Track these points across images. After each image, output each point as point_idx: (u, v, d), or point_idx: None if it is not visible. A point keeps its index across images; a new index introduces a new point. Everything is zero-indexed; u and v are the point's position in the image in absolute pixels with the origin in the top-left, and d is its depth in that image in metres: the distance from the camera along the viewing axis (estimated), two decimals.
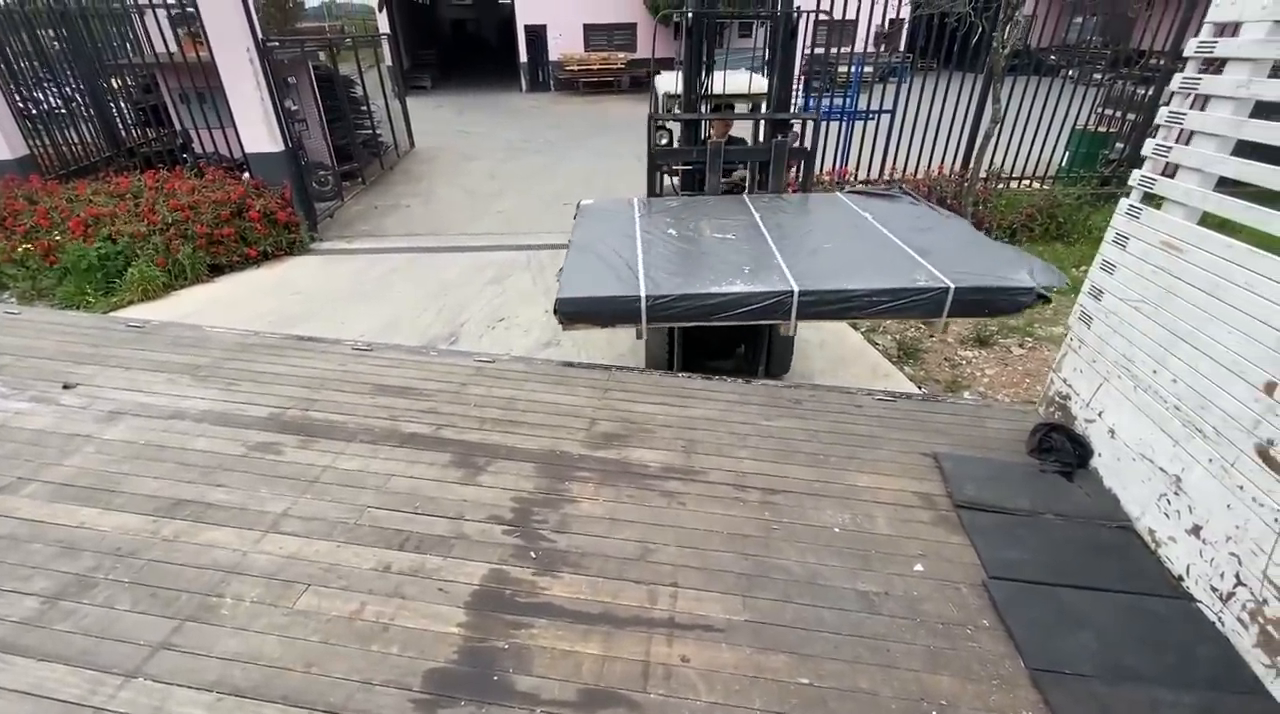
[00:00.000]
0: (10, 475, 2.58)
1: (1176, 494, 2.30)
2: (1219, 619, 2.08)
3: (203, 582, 2.14)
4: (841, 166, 8.74)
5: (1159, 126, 2.57)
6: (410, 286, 7.35)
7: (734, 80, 6.00)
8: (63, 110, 8.90)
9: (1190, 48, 2.45)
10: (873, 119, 8.56)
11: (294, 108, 9.25)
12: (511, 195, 10.55)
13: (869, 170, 8.46)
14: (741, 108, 5.78)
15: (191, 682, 1.83)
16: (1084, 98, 8.37)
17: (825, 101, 8.78)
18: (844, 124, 8.84)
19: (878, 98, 8.53)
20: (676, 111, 5.23)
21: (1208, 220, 2.36)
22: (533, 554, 2.30)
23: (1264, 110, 2.24)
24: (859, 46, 8.38)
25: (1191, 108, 2.45)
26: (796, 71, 8.13)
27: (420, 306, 6.83)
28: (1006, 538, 2.41)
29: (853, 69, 9.24)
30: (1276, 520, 1.91)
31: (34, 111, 8.58)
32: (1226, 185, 2.33)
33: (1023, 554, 2.34)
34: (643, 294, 2.90)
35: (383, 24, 19.55)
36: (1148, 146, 2.61)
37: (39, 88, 8.71)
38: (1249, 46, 2.22)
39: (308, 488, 2.57)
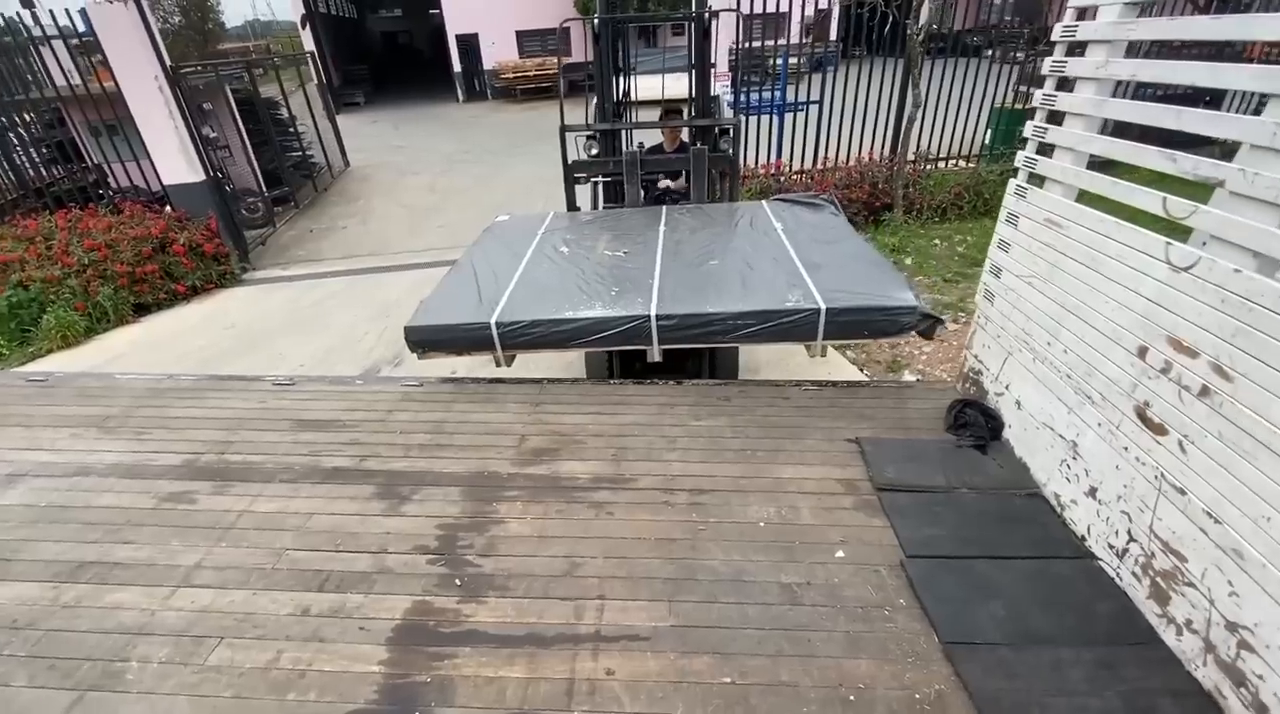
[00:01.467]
0: None
1: (1074, 459, 2.40)
2: (1117, 575, 2.19)
3: (107, 647, 2.05)
4: (776, 159, 8.88)
5: (1035, 108, 2.68)
6: (350, 311, 7.19)
7: (648, 85, 5.93)
8: None
9: (1056, 32, 2.56)
10: (802, 110, 8.71)
11: (213, 134, 8.94)
12: (453, 209, 10.41)
13: (802, 161, 8.61)
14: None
15: None
16: (1002, 76, 8.67)
17: (755, 95, 8.89)
18: (774, 116, 8.97)
19: (808, 89, 8.67)
20: (590, 122, 5.00)
21: (1110, 204, 2.44)
22: (458, 581, 2.27)
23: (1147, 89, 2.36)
24: (786, 39, 8.51)
25: (1060, 89, 2.56)
26: (722, 69, 8.21)
27: (361, 330, 6.69)
28: (924, 516, 2.49)
29: (779, 61, 9.39)
30: (1156, 477, 2.01)
31: None
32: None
33: (939, 530, 2.42)
34: (493, 321, 2.79)
35: (307, 41, 19.04)
36: (1028, 128, 2.72)
37: None
38: (1104, 29, 2.33)
39: (222, 536, 2.49)
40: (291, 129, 11.30)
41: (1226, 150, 1.90)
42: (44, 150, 9.08)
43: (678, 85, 5.89)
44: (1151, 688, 1.86)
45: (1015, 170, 2.83)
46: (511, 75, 20.25)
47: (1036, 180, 2.71)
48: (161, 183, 8.03)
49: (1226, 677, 1.79)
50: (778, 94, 9.21)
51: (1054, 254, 2.53)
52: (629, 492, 2.70)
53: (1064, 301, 2.47)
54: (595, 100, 5.08)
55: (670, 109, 5.34)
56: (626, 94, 5.70)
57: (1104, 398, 2.25)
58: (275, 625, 2.12)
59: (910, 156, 8.07)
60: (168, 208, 8.10)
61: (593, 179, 5.20)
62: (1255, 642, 1.71)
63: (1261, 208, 1.74)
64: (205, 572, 2.33)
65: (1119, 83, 2.35)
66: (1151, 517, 2.03)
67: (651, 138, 5.32)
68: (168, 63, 7.49)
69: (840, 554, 2.34)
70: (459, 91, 21.32)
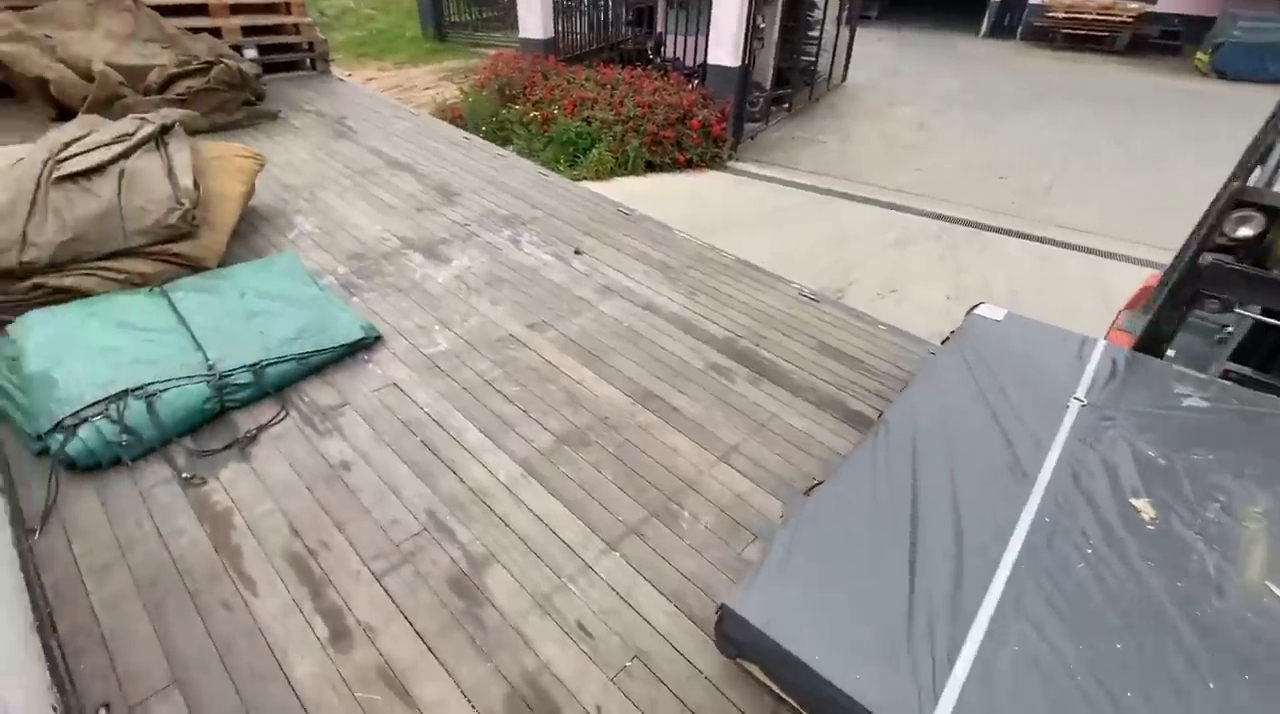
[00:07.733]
0: (539, 316, 3.13)
1: None
2: None
3: (664, 484, 2.27)
4: None
5: None
6: (809, 226, 7.16)
7: None
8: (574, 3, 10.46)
9: None
10: None
11: (762, 25, 9.37)
12: (936, 152, 9.37)
13: None
14: None
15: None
16: None
17: None
18: None
19: None
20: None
21: None
22: None
23: None
24: None
25: None
26: None
27: (814, 251, 6.62)
28: None
29: None
30: None
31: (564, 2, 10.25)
32: None
33: None
34: None
35: None
36: None
37: None
38: None
39: (756, 431, 2.52)
40: (814, 31, 11.30)
41: None
42: (627, 14, 10.81)
43: None
44: None
45: None
46: (1061, 15, 16.60)
47: None
48: (704, 61, 8.85)
49: None
50: None
51: None
52: None
53: None
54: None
55: None
56: None
57: None
58: None
59: None
60: (698, 82, 8.98)
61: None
62: None
63: None
64: (741, 458, 2.41)
65: None
66: None
67: None
68: None
69: None
70: (983, 23, 18.58)
